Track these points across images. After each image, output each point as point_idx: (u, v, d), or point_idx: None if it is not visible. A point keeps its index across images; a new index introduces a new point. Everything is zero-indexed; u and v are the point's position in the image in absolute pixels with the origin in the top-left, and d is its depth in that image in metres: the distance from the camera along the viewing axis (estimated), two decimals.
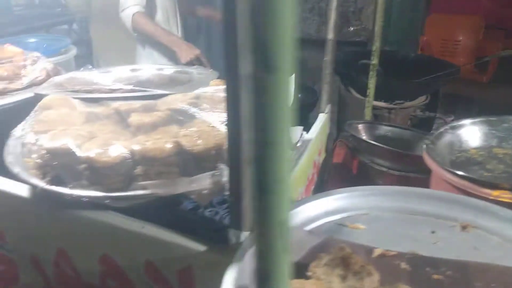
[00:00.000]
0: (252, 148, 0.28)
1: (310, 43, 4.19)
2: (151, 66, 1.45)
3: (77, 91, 1.16)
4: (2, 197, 1.09)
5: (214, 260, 0.88)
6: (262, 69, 0.25)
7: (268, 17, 0.24)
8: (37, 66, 1.35)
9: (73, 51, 1.76)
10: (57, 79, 1.29)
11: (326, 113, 1.50)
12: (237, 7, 0.66)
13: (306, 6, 4.16)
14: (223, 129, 0.86)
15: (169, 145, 0.81)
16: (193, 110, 0.99)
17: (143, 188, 0.79)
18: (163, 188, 0.78)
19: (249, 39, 0.25)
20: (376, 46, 1.70)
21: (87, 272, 1.07)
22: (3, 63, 1.36)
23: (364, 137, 1.55)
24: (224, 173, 0.81)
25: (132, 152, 0.81)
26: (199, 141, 0.82)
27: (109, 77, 1.31)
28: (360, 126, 1.64)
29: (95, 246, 1.01)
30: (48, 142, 0.81)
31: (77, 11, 3.09)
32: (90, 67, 1.39)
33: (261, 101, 0.26)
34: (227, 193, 0.80)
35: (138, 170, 0.80)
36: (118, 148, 0.80)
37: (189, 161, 0.82)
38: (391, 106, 1.98)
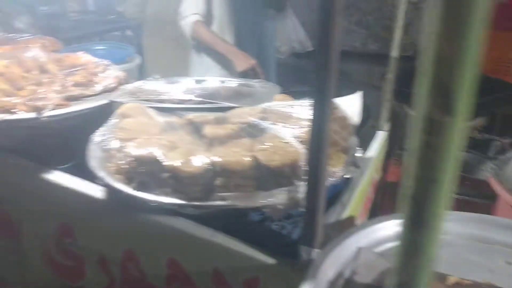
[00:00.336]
0: (410, 182, 0.29)
1: (355, 56, 4.17)
2: (214, 78, 1.50)
3: (149, 100, 1.22)
4: (73, 196, 1.16)
5: (283, 274, 0.90)
6: (441, 112, 0.26)
7: (455, 62, 0.25)
8: (109, 73, 1.42)
9: (137, 59, 1.84)
10: (128, 87, 1.36)
11: (385, 130, 1.49)
12: (331, 33, 0.68)
13: (352, 19, 4.15)
14: (298, 145, 0.88)
15: (247, 159, 0.84)
16: (264, 124, 1.01)
17: (223, 199, 0.82)
18: (241, 200, 0.81)
19: (427, 81, 0.26)
20: None
21: (153, 274, 1.11)
22: (77, 70, 1.44)
23: None
24: (299, 190, 0.83)
25: (213, 164, 0.84)
26: (276, 157, 0.84)
27: (176, 87, 1.36)
28: None
29: (163, 250, 1.06)
30: (135, 150, 0.86)
31: (131, 18, 3.23)
32: (157, 76, 1.46)
33: (433, 141, 0.27)
34: (302, 209, 0.82)
35: (218, 181, 0.84)
36: (201, 159, 0.84)
37: (265, 176, 0.84)
38: None
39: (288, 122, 1.03)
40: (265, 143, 0.90)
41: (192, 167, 0.82)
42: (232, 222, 0.98)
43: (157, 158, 0.84)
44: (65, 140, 1.28)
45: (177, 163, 0.83)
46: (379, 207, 1.63)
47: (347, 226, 1.14)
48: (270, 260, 0.91)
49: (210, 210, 0.82)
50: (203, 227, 0.98)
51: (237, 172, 0.83)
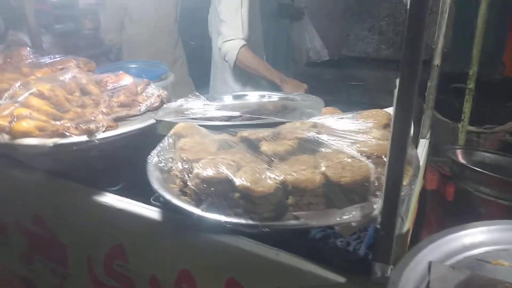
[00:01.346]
0: None
1: (367, 62, 4.16)
2: (254, 93, 1.49)
3: (197, 119, 1.22)
4: (126, 217, 1.16)
5: None
6: None
7: None
8: (151, 92, 1.43)
9: (171, 77, 1.85)
10: (171, 106, 1.37)
11: (427, 138, 1.47)
12: (418, 45, 0.68)
13: (365, 25, 4.15)
14: (365, 160, 0.87)
15: (318, 177, 0.83)
16: (321, 139, 1.01)
17: (296, 218, 0.81)
18: (315, 219, 0.80)
19: None
20: (473, 70, 1.66)
21: None
22: (119, 91, 1.45)
23: (466, 164, 1.51)
24: (373, 206, 0.82)
25: (284, 182, 0.83)
26: (346, 173, 0.84)
27: (219, 104, 1.37)
28: (458, 152, 1.59)
29: (222, 270, 1.04)
30: (204, 171, 0.86)
31: (110, 43, 3.31)
32: (197, 94, 1.46)
33: None
34: (377, 226, 0.81)
35: (290, 200, 0.83)
36: (271, 178, 0.83)
37: (335, 193, 0.83)
38: (481, 130, 1.92)
39: (344, 136, 1.02)
40: (330, 159, 0.89)
41: (264, 187, 0.82)
42: (294, 239, 0.97)
43: (229, 179, 0.84)
44: (114, 162, 1.28)
45: (248, 183, 0.82)
46: (422, 216, 1.61)
47: (406, 240, 1.12)
48: (338, 278, 0.90)
49: (285, 230, 0.81)
50: (266, 246, 0.97)
51: (308, 190, 0.82)
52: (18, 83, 1.46)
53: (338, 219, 0.79)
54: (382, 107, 1.21)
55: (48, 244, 1.40)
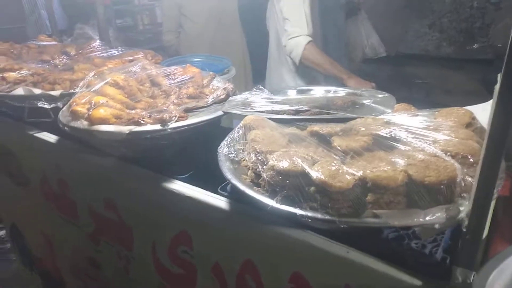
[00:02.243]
0: None
1: (427, 60, 3.97)
2: (319, 87, 1.47)
3: (265, 112, 1.22)
4: (194, 205, 1.18)
5: None
6: None
7: None
8: (217, 85, 1.45)
9: (233, 71, 1.87)
10: (238, 98, 1.38)
11: None
12: None
13: (425, 22, 3.97)
14: (450, 159, 0.83)
15: (401, 175, 0.80)
16: (398, 135, 0.97)
17: (376, 216, 0.79)
18: (397, 219, 0.77)
19: None
20: None
21: (273, 287, 1.10)
22: (186, 82, 1.49)
23: None
24: (458, 208, 0.77)
25: (364, 179, 0.81)
26: (430, 172, 0.80)
27: (285, 98, 1.36)
28: None
29: (288, 263, 1.04)
30: (278, 163, 0.85)
31: (169, 44, 3.35)
32: (261, 87, 1.46)
33: None
34: (463, 229, 0.77)
35: (369, 197, 0.80)
36: (350, 174, 0.81)
37: (418, 192, 0.80)
38: None
39: (423, 134, 0.97)
40: (412, 157, 0.86)
41: (342, 182, 0.80)
42: (366, 238, 0.94)
43: (305, 172, 0.83)
44: (183, 151, 1.32)
45: (326, 177, 0.81)
46: (494, 223, 1.51)
47: (484, 246, 1.06)
48: (413, 281, 0.86)
49: (363, 228, 0.79)
50: (335, 243, 0.95)
51: (389, 189, 0.79)
52: (92, 73, 1.54)
53: (421, 219, 0.76)
54: (446, 106, 1.14)
55: (116, 227, 1.47)
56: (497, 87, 0.66)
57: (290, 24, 2.04)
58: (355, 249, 0.93)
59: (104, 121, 1.21)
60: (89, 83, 1.47)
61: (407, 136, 0.96)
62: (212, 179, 1.15)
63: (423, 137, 0.94)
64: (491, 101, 1.24)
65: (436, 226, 0.77)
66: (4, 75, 1.61)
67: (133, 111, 1.23)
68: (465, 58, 3.76)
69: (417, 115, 1.09)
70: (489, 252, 1.03)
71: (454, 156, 0.85)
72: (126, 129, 1.17)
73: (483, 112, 1.13)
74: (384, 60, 3.58)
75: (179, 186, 1.22)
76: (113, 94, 1.33)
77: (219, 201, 1.13)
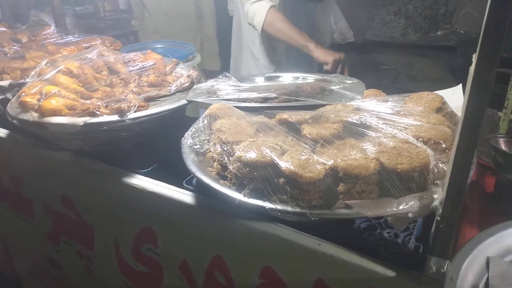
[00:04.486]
0: None
1: (393, 46, 4.01)
2: (287, 74, 1.42)
3: (231, 100, 1.16)
4: (158, 201, 1.11)
5: (402, 285, 0.82)
6: None
7: None
8: (181, 72, 1.37)
9: (198, 57, 1.78)
10: (203, 86, 1.31)
11: None
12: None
13: (391, 9, 3.99)
14: (423, 146, 0.80)
15: (372, 163, 0.76)
16: (369, 122, 0.93)
17: (348, 207, 0.75)
18: (370, 209, 0.73)
19: None
20: None
21: (243, 283, 1.05)
22: (147, 70, 1.40)
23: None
24: (432, 196, 0.75)
25: (335, 168, 0.77)
26: (403, 159, 0.77)
27: (253, 85, 1.30)
28: (501, 141, 1.49)
29: (258, 258, 1.00)
30: (247, 154, 0.80)
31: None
32: (228, 74, 1.39)
33: None
34: (437, 217, 0.74)
35: (340, 187, 0.76)
36: (320, 164, 0.77)
37: (391, 181, 0.77)
38: None
39: (393, 120, 0.94)
40: (383, 145, 0.82)
41: (313, 172, 0.75)
42: (337, 229, 0.91)
43: (273, 163, 0.77)
44: (143, 142, 1.24)
45: (295, 168, 0.76)
46: (463, 209, 1.53)
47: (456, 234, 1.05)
48: (386, 271, 0.84)
49: (335, 219, 0.75)
50: (306, 235, 0.92)
51: (361, 178, 0.75)
52: (45, 61, 1.42)
53: (394, 209, 0.73)
54: (412, 92, 1.12)
55: (75, 225, 1.37)
56: (472, 68, 0.63)
57: None
58: (327, 241, 0.90)
59: (56, 113, 1.11)
60: (41, 71, 1.35)
61: (378, 123, 0.92)
62: (176, 172, 1.09)
63: (394, 123, 0.91)
64: (460, 86, 1.23)
65: (410, 215, 0.74)
66: None
67: (89, 101, 1.13)
68: (430, 45, 3.81)
69: (387, 101, 1.06)
70: (459, 238, 1.02)
71: (426, 142, 0.82)
72: (80, 120, 1.08)
73: (452, 97, 1.12)
74: (352, 46, 3.57)
75: (141, 181, 1.14)
76: (66, 83, 1.22)
77: (184, 196, 1.06)
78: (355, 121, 0.94)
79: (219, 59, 2.98)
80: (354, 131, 0.93)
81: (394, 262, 0.84)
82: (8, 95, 1.39)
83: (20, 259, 1.85)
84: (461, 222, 1.34)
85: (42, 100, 1.12)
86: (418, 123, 0.88)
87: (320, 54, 1.80)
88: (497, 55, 0.60)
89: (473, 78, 0.61)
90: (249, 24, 1.96)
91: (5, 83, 1.41)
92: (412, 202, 0.73)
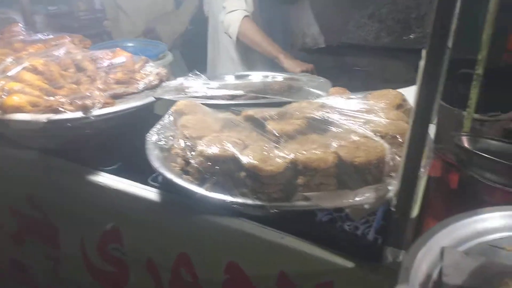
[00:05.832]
0: None
1: (367, 50, 4.09)
2: (257, 73, 1.44)
3: (199, 97, 1.17)
4: (123, 199, 1.11)
5: (362, 277, 0.85)
6: None
7: None
8: (150, 70, 1.37)
9: (169, 56, 1.78)
10: (171, 84, 1.31)
11: (434, 123, 1.43)
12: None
13: (365, 12, 4.07)
14: (380, 140, 0.83)
15: (331, 156, 0.78)
16: (331, 118, 0.96)
17: (306, 199, 0.77)
18: (327, 200, 0.75)
19: None
20: (482, 55, 1.61)
21: (208, 279, 1.05)
22: (115, 67, 1.39)
23: (473, 150, 1.46)
24: (387, 188, 0.77)
25: (294, 162, 0.78)
26: (360, 153, 0.79)
27: (221, 83, 1.31)
28: (464, 139, 1.55)
29: (222, 253, 1.00)
30: (208, 148, 0.80)
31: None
32: (198, 73, 1.40)
33: None
34: (392, 208, 0.76)
35: (300, 180, 0.78)
36: (280, 157, 0.78)
37: (348, 173, 0.79)
38: (485, 118, 1.87)
39: (355, 116, 0.97)
40: (343, 139, 0.84)
41: (273, 166, 0.77)
42: (299, 222, 0.92)
43: (235, 157, 0.78)
44: (110, 141, 1.23)
45: (256, 161, 0.77)
46: (426, 204, 1.57)
47: (413, 226, 1.09)
48: (346, 263, 0.86)
49: (294, 211, 0.77)
50: (269, 229, 0.93)
51: (320, 170, 0.77)
52: (10, 58, 1.39)
53: (351, 200, 0.75)
54: None
55: (40, 225, 1.35)
56: (421, 63, 0.66)
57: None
58: (290, 235, 0.91)
59: (18, 109, 1.09)
60: (5, 68, 1.32)
61: (340, 119, 0.95)
62: (142, 169, 1.08)
63: (355, 119, 0.94)
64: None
65: (366, 206, 0.77)
66: None
67: (53, 98, 1.12)
68: (403, 48, 3.91)
69: (351, 98, 1.09)
70: (422, 232, 1.05)
71: (384, 136, 0.85)
72: (43, 117, 1.06)
73: (411, 93, 1.15)
74: (327, 50, 3.62)
75: (105, 178, 1.13)
76: (30, 80, 1.20)
77: (149, 193, 1.06)
78: (318, 117, 0.96)
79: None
80: (317, 127, 0.95)
81: (354, 254, 0.86)
82: None
83: None
84: (425, 217, 1.39)
85: (4, 97, 1.09)
86: (377, 118, 0.91)
87: (290, 65, 1.91)
88: (444, 47, 0.63)
89: (423, 71, 0.64)
90: (225, 33, 2.03)
91: None
92: (368, 194, 0.76)
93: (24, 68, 1.26)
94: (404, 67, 3.64)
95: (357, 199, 0.75)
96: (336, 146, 0.82)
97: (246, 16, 1.92)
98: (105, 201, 1.14)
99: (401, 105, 1.03)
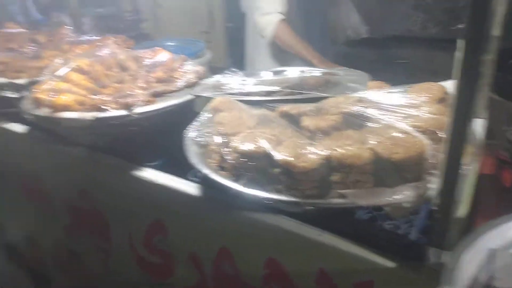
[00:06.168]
0: None
1: (413, 41, 3.92)
2: (293, 68, 1.43)
3: (236, 94, 1.18)
4: (166, 193, 1.14)
5: (403, 277, 0.82)
6: None
7: None
8: (188, 68, 1.40)
9: (208, 55, 1.81)
10: (209, 81, 1.33)
11: (483, 118, 1.35)
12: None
13: (410, 2, 3.91)
14: (420, 136, 0.80)
15: (366, 152, 0.76)
16: (367, 114, 0.93)
17: (342, 196, 0.76)
18: (364, 198, 0.74)
19: None
20: None
21: (249, 273, 1.07)
22: (156, 66, 1.43)
23: None
24: (428, 185, 0.74)
25: (329, 158, 0.77)
26: (398, 149, 0.76)
27: (258, 80, 1.31)
28: None
29: (262, 249, 1.01)
30: (242, 144, 0.81)
31: None
32: (235, 70, 1.41)
33: None
34: (433, 207, 0.74)
35: (335, 177, 0.77)
36: (314, 153, 0.77)
37: (386, 170, 0.77)
38: None
39: (394, 111, 0.94)
40: (380, 134, 0.82)
41: (307, 162, 0.76)
42: (338, 220, 0.91)
43: (268, 153, 0.79)
44: (152, 137, 1.27)
45: (289, 158, 0.77)
46: (477, 203, 1.49)
47: (461, 226, 1.04)
48: (387, 263, 0.84)
49: (329, 209, 0.76)
50: (308, 226, 0.92)
51: (356, 167, 0.75)
52: (58, 59, 1.48)
53: (389, 198, 0.73)
54: None
55: (92, 219, 1.42)
56: (458, 54, 0.62)
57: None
58: (328, 232, 0.90)
59: (67, 108, 1.16)
60: (54, 69, 1.40)
61: (377, 114, 0.92)
62: (183, 165, 1.11)
63: (393, 113, 0.91)
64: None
65: (406, 205, 0.74)
66: None
67: (98, 97, 1.18)
68: (450, 39, 3.72)
69: (390, 92, 1.06)
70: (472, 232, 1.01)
71: (424, 131, 0.82)
72: (89, 115, 1.12)
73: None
74: (368, 42, 3.51)
75: (150, 173, 1.18)
76: (77, 79, 1.27)
77: (189, 188, 1.09)
78: (354, 113, 0.94)
79: (228, 56, 3.01)
80: (353, 122, 0.93)
81: (395, 253, 0.84)
82: (25, 93, 1.45)
83: (44, 252, 1.92)
84: (475, 216, 1.32)
85: (54, 96, 1.16)
86: (418, 113, 0.88)
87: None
88: (483, 35, 0.60)
89: (462, 65, 0.61)
90: (260, 34, 2.05)
91: (21, 81, 1.47)
92: (407, 192, 0.73)
93: (70, 69, 1.33)
94: (452, 59, 3.46)
95: (395, 197, 0.73)
96: (372, 142, 0.80)
97: (282, 19, 1.93)
98: (149, 195, 1.18)
99: (443, 98, 0.98)
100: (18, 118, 1.56)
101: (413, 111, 0.91)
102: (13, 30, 2.02)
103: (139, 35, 3.76)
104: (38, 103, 1.20)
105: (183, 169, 1.13)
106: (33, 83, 1.45)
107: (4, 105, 1.57)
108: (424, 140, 0.78)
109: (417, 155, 0.75)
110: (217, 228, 1.07)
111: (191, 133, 1.03)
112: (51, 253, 1.86)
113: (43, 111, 1.17)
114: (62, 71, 1.28)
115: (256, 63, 2.38)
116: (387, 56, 3.69)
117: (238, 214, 0.99)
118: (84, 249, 1.60)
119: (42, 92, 1.19)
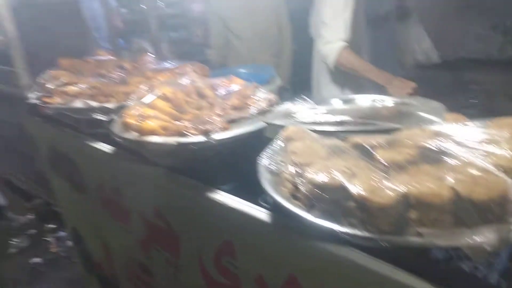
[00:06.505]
0: None
1: (489, 64, 3.71)
2: (365, 96, 1.44)
3: (306, 123, 1.21)
4: (237, 216, 1.19)
5: None
6: None
7: None
8: (261, 96, 1.46)
9: (278, 81, 1.88)
10: (279, 109, 1.38)
11: None
12: None
13: (487, 24, 3.72)
14: (502, 175, 0.77)
15: (447, 191, 0.75)
16: (446, 149, 0.92)
17: (419, 235, 0.75)
18: (442, 238, 0.73)
19: None
20: None
21: None
22: (231, 93, 1.52)
23: None
24: (510, 228, 0.71)
25: (406, 195, 0.77)
26: (479, 189, 0.74)
27: (328, 108, 1.34)
28: None
29: (331, 281, 1.01)
30: (317, 176, 0.84)
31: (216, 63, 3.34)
32: (305, 97, 1.45)
33: None
34: None
35: (412, 214, 0.77)
36: (391, 189, 0.78)
37: (466, 210, 0.75)
38: None
39: (473, 147, 0.91)
40: (460, 172, 0.81)
41: (383, 198, 0.77)
42: (412, 257, 0.89)
43: (343, 186, 0.81)
44: (226, 161, 1.35)
45: (365, 192, 0.78)
46: None
47: None
48: None
49: (406, 247, 0.76)
50: (380, 261, 0.92)
51: (435, 206, 0.75)
52: (143, 86, 1.62)
53: (469, 240, 0.71)
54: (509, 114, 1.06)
55: (164, 235, 1.52)
56: None
57: (327, 28, 2.01)
58: (401, 269, 0.89)
59: (153, 132, 1.27)
60: (140, 96, 1.55)
61: (456, 149, 0.90)
62: (254, 190, 1.16)
63: (473, 150, 0.89)
64: None
65: (488, 248, 0.72)
66: (65, 89, 1.74)
67: (179, 123, 1.28)
68: None
69: (468, 126, 1.03)
70: None
71: (507, 171, 0.79)
72: (172, 140, 1.22)
73: None
74: (441, 65, 3.39)
75: (222, 196, 1.24)
76: (161, 106, 1.39)
77: (260, 213, 1.13)
78: (431, 147, 0.93)
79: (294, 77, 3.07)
80: (430, 157, 0.92)
81: None
82: (113, 116, 1.61)
83: (118, 263, 2.08)
84: None
85: (141, 121, 1.28)
86: (500, 151, 0.85)
87: (393, 91, 1.91)
88: None
89: None
90: (323, 61, 2.10)
91: (111, 105, 1.63)
92: (489, 234, 0.71)
93: (156, 96, 1.46)
94: None
95: (476, 239, 0.71)
96: (451, 179, 0.79)
97: (345, 47, 1.97)
98: (221, 217, 1.24)
99: None
100: (105, 138, 1.74)
101: (493, 148, 0.88)
102: (103, 57, 2.25)
103: (207, 60, 3.98)
104: (127, 126, 1.33)
105: (254, 194, 1.18)
106: (120, 107, 1.61)
107: (94, 126, 1.75)
108: (508, 180, 0.75)
109: (500, 195, 0.73)
110: (285, 255, 1.09)
111: (264, 160, 1.08)
112: (125, 265, 2.00)
113: (131, 135, 1.29)
114: (148, 98, 1.40)
115: (322, 86, 2.41)
116: (461, 80, 3.53)
117: (307, 243, 1.00)
118: (155, 263, 1.71)
119: (131, 117, 1.32)
